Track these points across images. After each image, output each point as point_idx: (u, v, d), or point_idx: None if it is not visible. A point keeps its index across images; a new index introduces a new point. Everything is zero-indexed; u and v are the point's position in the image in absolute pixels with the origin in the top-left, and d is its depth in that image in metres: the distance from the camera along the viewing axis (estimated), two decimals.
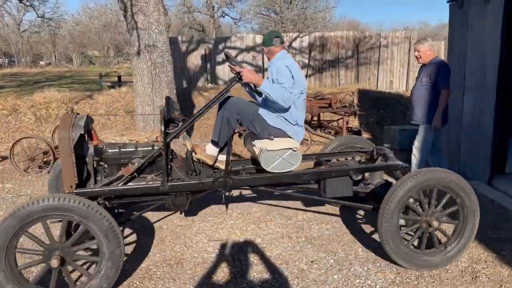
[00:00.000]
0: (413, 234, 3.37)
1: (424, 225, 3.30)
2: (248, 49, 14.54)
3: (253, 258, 3.53)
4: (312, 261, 3.48)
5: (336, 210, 4.60)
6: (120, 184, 3.20)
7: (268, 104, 3.57)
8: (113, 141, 6.36)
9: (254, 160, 3.79)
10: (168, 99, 3.53)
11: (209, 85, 14.05)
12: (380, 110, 10.72)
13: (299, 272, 3.31)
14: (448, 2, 6.71)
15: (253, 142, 3.58)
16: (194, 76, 14.72)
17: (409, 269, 3.29)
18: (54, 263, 2.70)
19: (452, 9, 6.62)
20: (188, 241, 3.86)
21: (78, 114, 3.24)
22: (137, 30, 7.15)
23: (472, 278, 3.17)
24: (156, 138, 3.64)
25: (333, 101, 8.48)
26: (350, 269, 3.33)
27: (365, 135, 8.66)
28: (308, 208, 4.65)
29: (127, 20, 7.30)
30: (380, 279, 3.18)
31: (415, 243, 3.48)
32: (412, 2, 55.16)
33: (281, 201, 4.83)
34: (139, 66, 7.34)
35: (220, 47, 14.64)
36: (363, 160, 4.13)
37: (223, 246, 3.76)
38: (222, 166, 3.47)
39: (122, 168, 3.27)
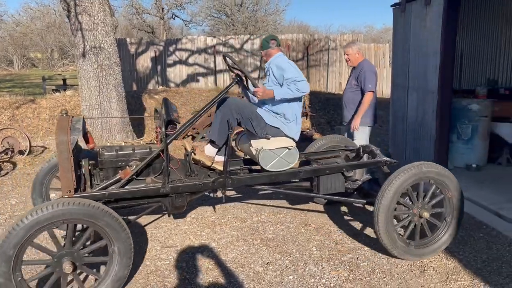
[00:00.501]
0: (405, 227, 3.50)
1: (415, 217, 3.44)
2: (200, 51, 14.41)
3: (208, 263, 3.47)
4: (267, 263, 3.47)
5: (290, 211, 4.63)
6: (119, 187, 3.16)
7: (266, 103, 3.71)
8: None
9: (248, 160, 3.87)
10: (165, 100, 3.51)
11: (160, 87, 13.78)
12: (330, 111, 10.96)
13: (254, 274, 3.29)
14: (391, 6, 6.97)
15: (250, 142, 3.61)
16: (144, 79, 14.38)
17: (404, 259, 3.43)
18: (68, 268, 2.68)
19: (395, 12, 6.89)
20: (140, 248, 3.73)
21: (73, 116, 3.17)
22: (81, 31, 6.87)
23: (421, 272, 3.29)
24: (151, 141, 3.57)
25: None
26: (305, 269, 3.36)
27: (317, 135, 8.81)
28: (263, 210, 4.66)
29: (71, 21, 7.00)
30: (334, 277, 3.23)
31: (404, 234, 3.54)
32: (358, 6, 57.07)
33: (236, 203, 4.80)
34: (84, 69, 7.05)
35: (171, 49, 14.41)
36: (351, 158, 4.26)
37: (177, 252, 3.67)
38: (218, 167, 3.50)
39: (119, 171, 3.22)
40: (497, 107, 6.31)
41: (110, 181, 3.17)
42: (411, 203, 3.45)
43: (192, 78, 14.50)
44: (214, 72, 14.42)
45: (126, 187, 3.20)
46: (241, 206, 4.78)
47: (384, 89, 14.01)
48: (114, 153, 3.25)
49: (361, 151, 4.11)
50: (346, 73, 14.57)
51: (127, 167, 3.21)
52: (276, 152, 3.51)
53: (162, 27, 27.39)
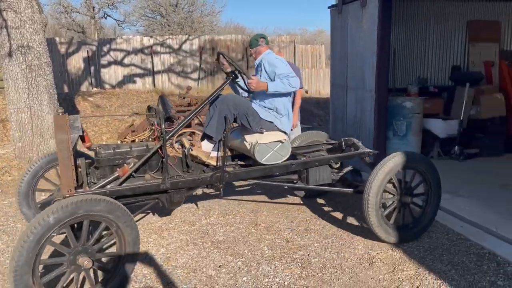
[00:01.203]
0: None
1: (399, 203, 3.68)
2: (136, 51, 13.95)
3: (158, 271, 3.33)
4: (220, 266, 3.40)
5: (239, 212, 4.59)
6: (120, 184, 3.16)
7: (258, 98, 3.83)
8: None
9: (237, 156, 3.96)
10: (162, 98, 3.68)
11: (94, 89, 13.16)
12: None
13: (207, 279, 3.20)
14: (329, 7, 7.18)
15: (244, 137, 3.70)
16: (76, 80, 13.65)
17: (391, 243, 3.64)
18: (87, 263, 2.69)
19: (333, 14, 7.10)
20: None
21: (69, 115, 3.16)
22: (7, 28, 6.35)
23: (369, 264, 3.39)
24: (149, 137, 3.62)
25: None
26: (258, 269, 3.33)
27: None
28: (211, 212, 4.57)
29: None
30: (288, 275, 3.23)
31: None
32: (293, 8, 58.40)
33: (183, 206, 4.67)
34: (11, 69, 6.52)
35: (105, 49, 13.81)
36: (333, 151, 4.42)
37: None
38: (213, 162, 3.60)
39: (117, 169, 3.23)
40: (427, 104, 6.71)
41: (109, 179, 3.16)
42: (395, 190, 3.67)
43: (128, 79, 14.00)
44: (152, 72, 14.03)
45: (125, 184, 3.20)
46: (188, 209, 4.66)
47: (321, 89, 14.42)
48: (112, 151, 3.26)
49: (343, 144, 4.31)
50: None
51: (124, 164, 3.22)
52: (270, 146, 3.63)
53: (94, 27, 26.15)
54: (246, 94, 4.03)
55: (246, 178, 3.76)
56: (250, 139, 3.67)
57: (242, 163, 3.92)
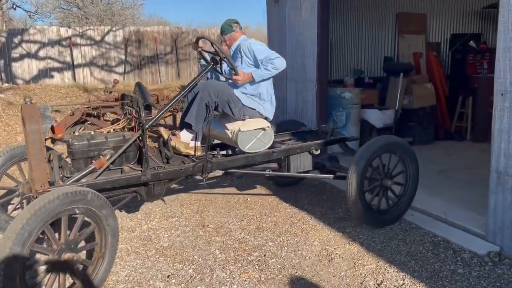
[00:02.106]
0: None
1: (380, 187, 3.72)
2: (53, 43, 12.78)
3: None
4: (168, 275, 3.04)
5: (183, 213, 4.23)
6: (97, 177, 2.98)
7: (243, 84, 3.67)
8: None
9: (218, 144, 3.89)
10: (139, 84, 3.60)
11: (5, 85, 11.85)
12: None
13: None
14: None
15: (225, 125, 3.60)
16: None
17: (372, 227, 3.70)
18: (76, 258, 2.55)
19: (269, 4, 6.91)
20: None
21: (37, 104, 2.98)
22: None
23: (329, 261, 3.22)
24: (124, 127, 3.38)
25: (160, 98, 8.00)
26: (212, 276, 3.02)
27: None
28: (152, 216, 4.16)
29: None
30: (245, 280, 2.96)
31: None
32: (216, 2, 57.69)
33: (118, 212, 4.20)
34: None
35: (16, 40, 12.50)
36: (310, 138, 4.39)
37: None
38: (192, 152, 3.48)
39: (92, 161, 3.04)
40: (363, 95, 6.76)
41: (84, 173, 2.96)
42: (377, 173, 3.70)
43: (45, 73, 12.80)
44: (72, 66, 12.96)
45: (102, 177, 3.02)
46: (125, 214, 4.20)
47: None
48: (86, 142, 3.05)
49: (320, 131, 4.36)
50: None
51: (100, 156, 3.04)
52: (253, 134, 3.54)
53: (1, 18, 23.77)
54: (223, 79, 3.86)
55: (229, 168, 3.66)
56: (232, 127, 3.57)
57: (223, 152, 3.82)
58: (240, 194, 4.81)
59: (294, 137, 4.43)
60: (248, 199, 4.63)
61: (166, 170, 3.25)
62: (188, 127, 3.51)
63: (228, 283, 2.93)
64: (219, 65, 3.60)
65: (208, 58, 3.68)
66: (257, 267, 3.13)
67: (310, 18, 5.63)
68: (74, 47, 12.91)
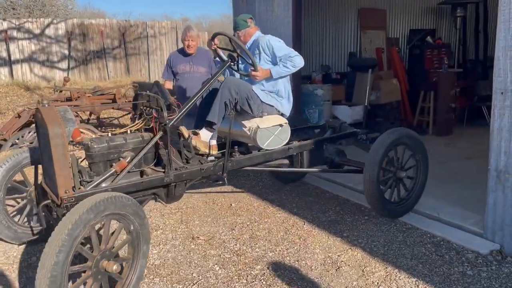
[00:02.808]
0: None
1: (395, 178, 3.81)
2: None
3: None
4: None
5: (167, 225, 3.91)
6: (119, 181, 2.89)
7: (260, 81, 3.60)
8: None
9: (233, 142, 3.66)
10: (157, 83, 3.35)
11: None
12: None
13: None
14: None
15: (242, 122, 3.55)
16: None
17: (387, 217, 3.83)
18: (116, 268, 2.50)
19: (236, 1, 6.64)
20: None
21: (55, 106, 2.91)
22: None
23: (336, 270, 3.09)
24: (139, 128, 3.21)
25: (118, 96, 7.49)
26: None
27: None
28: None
29: None
30: None
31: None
32: None
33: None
34: None
35: None
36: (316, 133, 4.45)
37: None
38: (213, 151, 3.41)
39: (111, 164, 2.95)
40: (332, 91, 6.74)
41: (105, 176, 2.86)
42: (392, 166, 3.78)
43: None
44: (9, 62, 11.87)
45: (124, 180, 2.92)
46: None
47: None
48: (106, 144, 2.93)
49: (327, 126, 4.37)
50: None
51: (120, 159, 2.95)
52: (271, 130, 3.51)
53: None
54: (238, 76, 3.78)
55: (248, 165, 3.59)
56: (250, 124, 3.54)
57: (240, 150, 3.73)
58: (222, 199, 4.56)
59: (303, 132, 4.36)
60: (232, 204, 4.40)
61: (189, 171, 3.18)
62: (208, 125, 3.42)
63: None
64: (236, 62, 3.55)
65: (224, 56, 3.62)
66: (265, 282, 2.93)
67: (284, 13, 5.46)
68: (11, 41, 11.82)
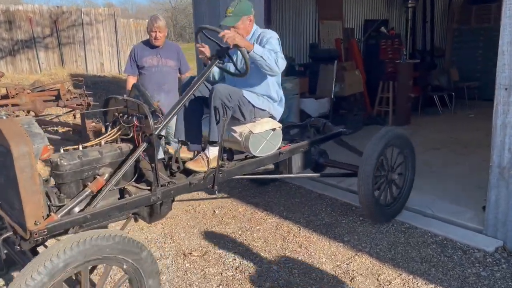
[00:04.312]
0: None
1: (387, 180, 3.67)
2: None
3: None
4: None
5: (155, 241, 3.50)
6: (97, 203, 2.43)
7: (249, 83, 3.18)
8: None
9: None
10: (137, 86, 2.93)
11: None
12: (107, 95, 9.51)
13: None
14: None
15: (233, 128, 3.17)
16: None
17: (380, 222, 3.65)
18: None
19: None
20: None
21: (17, 117, 2.41)
22: None
23: (350, 281, 2.91)
24: (115, 139, 2.75)
25: (62, 92, 6.73)
26: None
27: None
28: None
29: None
30: None
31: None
32: None
33: None
34: None
35: None
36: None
37: None
38: (206, 169, 2.95)
39: (86, 183, 2.48)
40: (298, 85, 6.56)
41: (80, 199, 2.41)
42: (384, 167, 3.62)
43: None
44: None
45: (102, 202, 2.46)
46: None
47: None
48: (78, 161, 2.47)
49: (308, 125, 4.05)
50: (107, 52, 12.99)
51: (96, 176, 2.51)
52: (263, 135, 3.18)
53: None
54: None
55: (239, 174, 3.26)
56: (241, 129, 3.15)
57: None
58: (202, 206, 4.20)
59: (286, 134, 3.98)
60: (216, 211, 4.07)
61: (177, 186, 2.76)
62: (211, 143, 3.02)
63: None
64: (223, 59, 3.06)
65: (209, 54, 3.13)
66: None
67: (254, 2, 5.11)
68: None
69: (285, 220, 3.86)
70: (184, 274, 3.00)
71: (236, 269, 3.07)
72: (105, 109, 2.93)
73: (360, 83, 7.20)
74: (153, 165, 2.60)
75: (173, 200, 2.90)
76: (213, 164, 2.96)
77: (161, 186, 2.66)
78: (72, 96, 7.02)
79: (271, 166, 3.60)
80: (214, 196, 4.41)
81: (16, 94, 6.44)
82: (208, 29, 3.07)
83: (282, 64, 3.01)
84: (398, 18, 9.50)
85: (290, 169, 3.66)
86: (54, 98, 6.81)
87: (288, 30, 7.58)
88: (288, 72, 6.83)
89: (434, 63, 9.21)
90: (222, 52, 3.01)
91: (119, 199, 2.61)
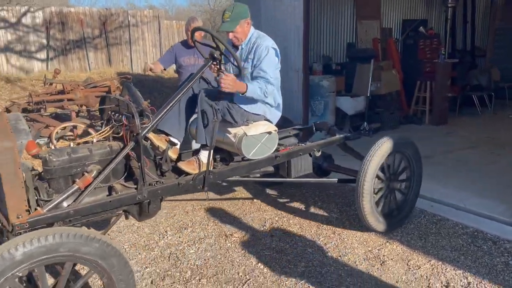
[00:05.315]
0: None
1: (388, 189, 3.53)
2: None
3: None
4: None
5: (195, 221, 3.81)
6: (83, 200, 2.51)
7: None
8: None
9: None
10: (128, 85, 3.02)
11: None
12: (151, 93, 10.02)
13: None
14: None
15: (227, 129, 3.16)
16: None
17: (379, 231, 3.47)
18: None
19: None
20: None
21: (7, 112, 2.46)
22: None
23: (381, 265, 3.09)
24: (106, 137, 2.83)
25: (112, 89, 7.23)
26: None
27: None
28: (161, 227, 3.68)
29: None
30: None
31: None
32: None
33: (128, 224, 3.66)
34: None
35: None
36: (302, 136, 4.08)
37: None
38: (197, 170, 3.00)
39: (74, 179, 2.56)
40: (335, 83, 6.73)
41: (67, 194, 2.49)
42: (384, 175, 3.48)
43: None
44: None
45: (88, 199, 2.54)
46: (128, 227, 3.68)
47: None
48: (67, 157, 2.55)
49: (314, 128, 4.02)
50: (151, 52, 13.56)
51: (85, 173, 2.57)
52: (258, 138, 3.15)
53: None
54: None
55: (231, 176, 3.24)
56: (235, 130, 3.14)
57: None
58: (241, 194, 4.48)
59: (285, 135, 3.86)
60: (254, 199, 4.34)
61: (164, 186, 2.78)
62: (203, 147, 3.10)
63: None
64: (218, 62, 3.00)
65: (207, 52, 3.09)
66: (314, 280, 2.90)
67: (295, 2, 5.36)
68: None
69: (319, 209, 4.07)
70: (226, 252, 3.28)
71: (273, 249, 3.32)
72: (99, 108, 3.08)
73: (396, 82, 7.28)
74: (139, 164, 2.63)
75: (162, 200, 2.89)
76: (205, 167, 2.98)
77: (149, 185, 2.71)
78: (120, 93, 7.49)
79: (271, 169, 3.60)
80: (251, 186, 4.67)
81: (71, 90, 6.98)
82: (203, 31, 3.17)
83: (271, 90, 3.09)
84: (438, 18, 9.46)
85: (289, 172, 3.59)
86: (104, 94, 7.30)
87: (326, 30, 7.76)
88: (325, 71, 7.03)
89: (474, 63, 9.12)
90: (215, 57, 2.98)
91: (107, 196, 2.66)
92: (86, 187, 2.53)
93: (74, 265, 2.24)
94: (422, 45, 8.38)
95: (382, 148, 3.34)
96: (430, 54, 8.26)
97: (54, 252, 1.98)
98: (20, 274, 1.95)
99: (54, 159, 2.51)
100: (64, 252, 2.00)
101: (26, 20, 11.79)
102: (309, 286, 2.83)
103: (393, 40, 7.94)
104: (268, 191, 4.56)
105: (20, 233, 2.18)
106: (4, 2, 19.37)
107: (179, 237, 3.54)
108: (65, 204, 2.48)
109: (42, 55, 12.05)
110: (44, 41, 12.01)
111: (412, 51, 8.42)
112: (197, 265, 3.10)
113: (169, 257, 3.21)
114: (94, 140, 2.75)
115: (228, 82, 2.85)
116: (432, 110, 7.51)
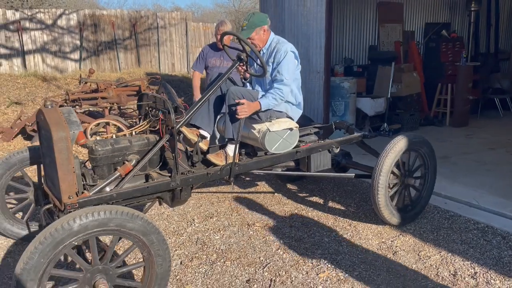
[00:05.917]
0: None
1: (402, 184, 3.73)
2: None
3: None
4: (247, 280, 2.95)
5: (220, 212, 4.10)
6: (124, 185, 2.82)
7: (264, 87, 3.52)
8: None
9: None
10: (165, 84, 3.27)
11: None
12: (177, 92, 10.37)
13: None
14: None
15: (252, 125, 3.42)
16: None
17: (393, 224, 3.67)
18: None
19: None
20: None
21: (60, 106, 2.59)
22: None
23: (393, 254, 3.30)
24: (144, 130, 3.14)
25: (143, 88, 7.60)
26: (291, 278, 2.97)
27: None
28: (189, 216, 3.99)
29: None
30: (326, 280, 2.95)
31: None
32: None
33: (150, 212, 3.98)
34: None
35: None
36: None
37: None
38: (224, 162, 3.29)
39: (116, 167, 2.88)
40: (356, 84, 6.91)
41: (109, 180, 2.80)
42: (399, 171, 3.68)
43: None
44: (22, 52, 11.88)
45: (129, 185, 2.86)
46: (159, 215, 4.00)
47: None
48: (110, 147, 2.85)
49: (333, 127, 4.17)
50: (178, 53, 14.00)
51: (125, 162, 2.88)
52: (280, 134, 3.42)
53: None
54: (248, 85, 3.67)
55: (254, 169, 3.51)
56: (259, 126, 3.40)
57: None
58: (263, 188, 4.75)
59: (306, 132, 4.05)
60: (276, 194, 4.59)
61: (195, 175, 3.09)
62: (230, 141, 3.37)
63: (312, 284, 2.90)
64: (245, 63, 3.30)
65: (234, 55, 3.38)
66: (329, 265, 3.14)
67: (317, 7, 5.60)
68: (24, 32, 11.81)
69: (337, 203, 4.30)
70: (248, 239, 3.56)
71: (292, 238, 3.57)
72: (138, 104, 3.31)
73: (417, 84, 7.41)
74: (173, 154, 2.92)
75: (192, 188, 3.17)
76: (232, 159, 3.25)
77: (181, 174, 3.01)
78: (151, 92, 7.87)
79: (292, 164, 3.86)
80: (273, 181, 4.93)
81: (105, 88, 7.39)
82: (231, 35, 3.40)
83: (286, 92, 3.38)
84: (461, 21, 9.51)
85: (308, 167, 3.81)
86: (135, 92, 7.70)
87: (348, 33, 7.96)
88: (346, 72, 7.23)
89: (497, 66, 9.13)
90: (242, 59, 3.27)
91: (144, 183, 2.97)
92: (126, 174, 2.83)
93: (119, 239, 2.52)
94: (444, 48, 8.46)
95: (397, 145, 3.54)
96: (452, 57, 8.34)
97: (105, 226, 2.25)
98: (76, 243, 2.22)
99: (100, 149, 2.81)
100: (113, 226, 2.28)
101: (61, 22, 12.39)
102: (324, 271, 3.07)
103: (415, 43, 8.05)
104: (289, 186, 4.81)
105: (71, 212, 2.43)
106: (39, 3, 20.26)
107: (205, 224, 3.83)
108: (107, 189, 2.78)
109: (76, 55, 12.62)
110: (78, 42, 12.59)
111: (434, 54, 8.50)
112: (222, 249, 3.39)
113: (196, 242, 3.51)
114: (133, 133, 3.06)
115: (244, 110, 3.16)
116: (453, 112, 7.61)
